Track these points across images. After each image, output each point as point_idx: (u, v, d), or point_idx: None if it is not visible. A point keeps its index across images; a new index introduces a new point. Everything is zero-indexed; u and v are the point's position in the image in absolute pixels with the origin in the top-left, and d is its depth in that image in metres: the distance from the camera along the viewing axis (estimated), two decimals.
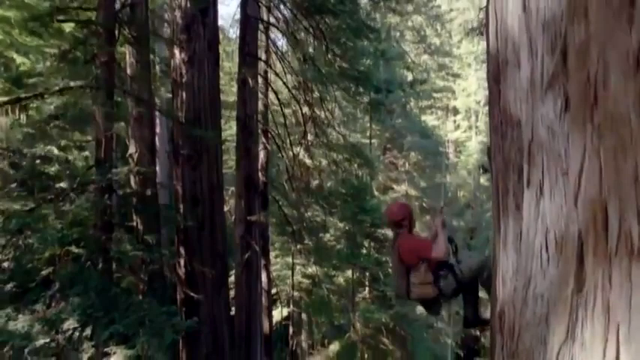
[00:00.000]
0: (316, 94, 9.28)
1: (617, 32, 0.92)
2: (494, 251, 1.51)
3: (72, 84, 5.18)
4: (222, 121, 10.91)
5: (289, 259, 11.40)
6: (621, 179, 0.92)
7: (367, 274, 8.40)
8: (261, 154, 10.26)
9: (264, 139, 10.08)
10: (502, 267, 1.43)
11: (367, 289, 8.38)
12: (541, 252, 1.19)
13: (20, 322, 4.56)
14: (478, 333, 14.54)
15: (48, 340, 4.52)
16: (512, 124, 1.31)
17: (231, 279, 9.80)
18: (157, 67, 9.74)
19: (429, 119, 19.21)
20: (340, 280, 9.75)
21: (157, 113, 8.28)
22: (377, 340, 7.66)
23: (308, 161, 10.64)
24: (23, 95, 5.08)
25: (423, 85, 13.24)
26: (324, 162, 11.04)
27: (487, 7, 1.53)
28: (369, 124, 11.90)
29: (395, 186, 13.77)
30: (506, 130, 1.34)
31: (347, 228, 10.13)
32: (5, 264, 5.49)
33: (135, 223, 6.85)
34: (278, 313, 11.15)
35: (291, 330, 9.97)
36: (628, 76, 0.90)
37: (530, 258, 1.24)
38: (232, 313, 9.14)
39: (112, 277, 5.61)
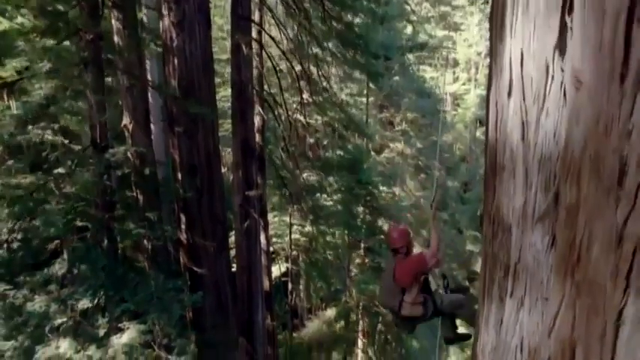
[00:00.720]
0: (311, 52, 8.94)
1: (605, 207, 0.98)
2: (477, 322, 1.67)
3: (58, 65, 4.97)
4: (216, 79, 10.61)
5: (286, 218, 11.77)
6: (590, 333, 1.04)
7: (362, 244, 8.78)
8: (257, 118, 10.14)
9: (259, 103, 9.89)
10: (483, 339, 1.60)
11: (362, 251, 8.83)
12: (516, 351, 1.34)
13: (37, 303, 4.86)
14: (467, 283, 15.52)
15: (65, 319, 4.86)
16: (503, 227, 1.39)
17: (232, 239, 10.24)
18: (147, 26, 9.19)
19: (428, 71, 18.62)
20: (337, 241, 10.19)
21: (149, 71, 8.00)
22: (371, 305, 8.27)
23: (303, 120, 10.55)
24: (10, 79, 4.92)
25: (423, 41, 12.65)
26: (319, 120, 10.96)
27: (488, 92, 1.52)
28: (365, 83, 11.61)
29: (391, 144, 13.79)
30: (497, 230, 1.43)
31: (342, 191, 10.35)
32: (15, 234, 5.68)
33: (135, 194, 6.98)
34: (277, 269, 11.76)
35: (290, 286, 10.63)
36: (610, 250, 0.98)
37: (506, 349, 1.40)
38: (234, 269, 9.65)
39: (117, 256, 5.87)
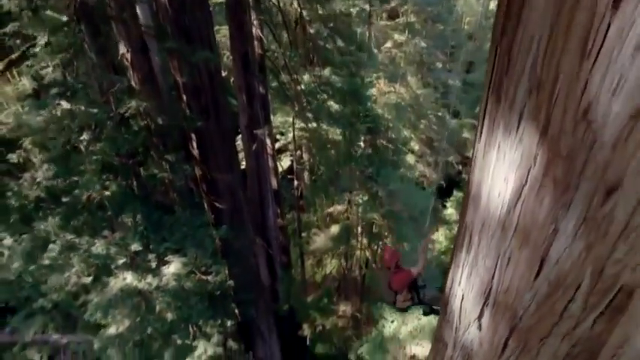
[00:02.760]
0: None
1: None
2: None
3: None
4: None
5: (289, 119, 12.23)
6: None
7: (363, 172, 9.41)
8: (255, 23, 9.59)
9: (254, 10, 9.20)
10: None
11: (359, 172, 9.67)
12: None
13: (99, 247, 6.06)
14: (460, 167, 16.82)
15: (124, 258, 6.14)
16: (443, 343, 2.28)
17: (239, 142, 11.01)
18: None
19: None
20: (340, 140, 10.90)
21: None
22: (370, 223, 9.54)
23: (299, 10, 9.96)
24: (14, 56, 4.94)
25: None
26: (320, 10, 10.31)
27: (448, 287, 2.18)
28: None
29: (395, 35, 13.11)
30: (439, 343, 2.32)
31: (343, 91, 10.52)
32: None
33: (151, 138, 7.48)
34: (280, 166, 12.86)
35: (295, 183, 11.92)
36: None
37: None
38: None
39: (150, 202, 6.80)
